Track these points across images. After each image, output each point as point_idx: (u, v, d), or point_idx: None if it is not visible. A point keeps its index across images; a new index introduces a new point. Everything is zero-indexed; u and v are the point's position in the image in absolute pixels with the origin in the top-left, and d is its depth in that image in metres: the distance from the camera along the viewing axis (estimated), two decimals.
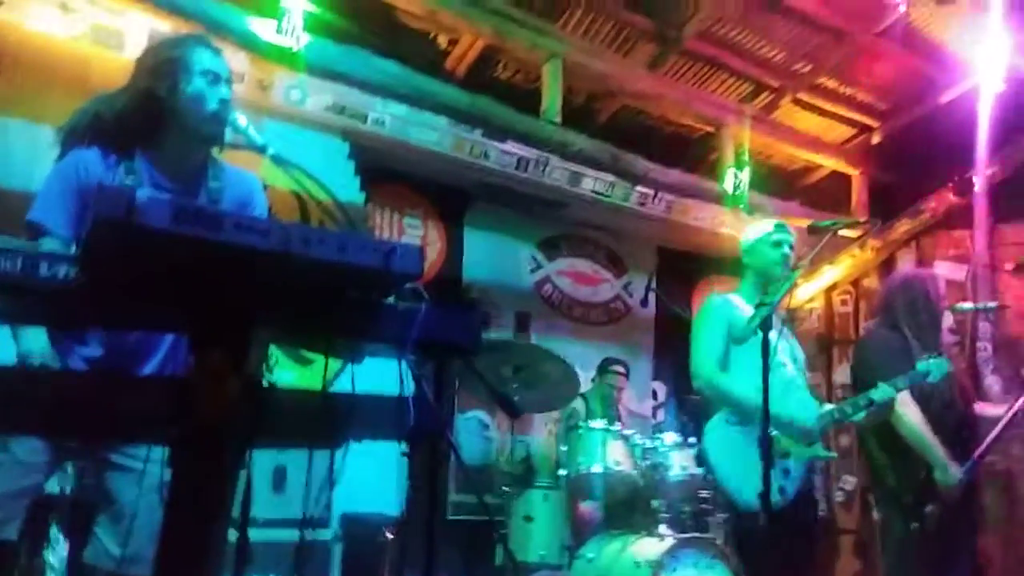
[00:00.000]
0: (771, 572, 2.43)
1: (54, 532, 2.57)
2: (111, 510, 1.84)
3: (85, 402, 1.23)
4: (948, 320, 3.25)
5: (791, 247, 2.95)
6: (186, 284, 1.19)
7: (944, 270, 5.15)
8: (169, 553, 1.24)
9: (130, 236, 1.11)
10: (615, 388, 4.83)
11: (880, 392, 2.75)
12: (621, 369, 4.93)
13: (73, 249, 1.63)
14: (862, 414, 2.83)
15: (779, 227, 3.02)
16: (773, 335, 2.40)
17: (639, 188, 5.04)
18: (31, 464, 1.74)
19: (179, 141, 1.90)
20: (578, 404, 4.70)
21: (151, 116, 1.87)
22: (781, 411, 2.53)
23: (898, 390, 2.80)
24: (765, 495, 2.20)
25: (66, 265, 1.16)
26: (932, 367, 2.88)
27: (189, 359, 1.21)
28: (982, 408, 3.23)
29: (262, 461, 1.27)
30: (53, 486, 2.19)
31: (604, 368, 4.91)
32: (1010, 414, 3.13)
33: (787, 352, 2.89)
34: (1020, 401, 3.14)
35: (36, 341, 1.69)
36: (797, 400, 2.76)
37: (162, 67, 1.87)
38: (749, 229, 3.13)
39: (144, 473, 1.69)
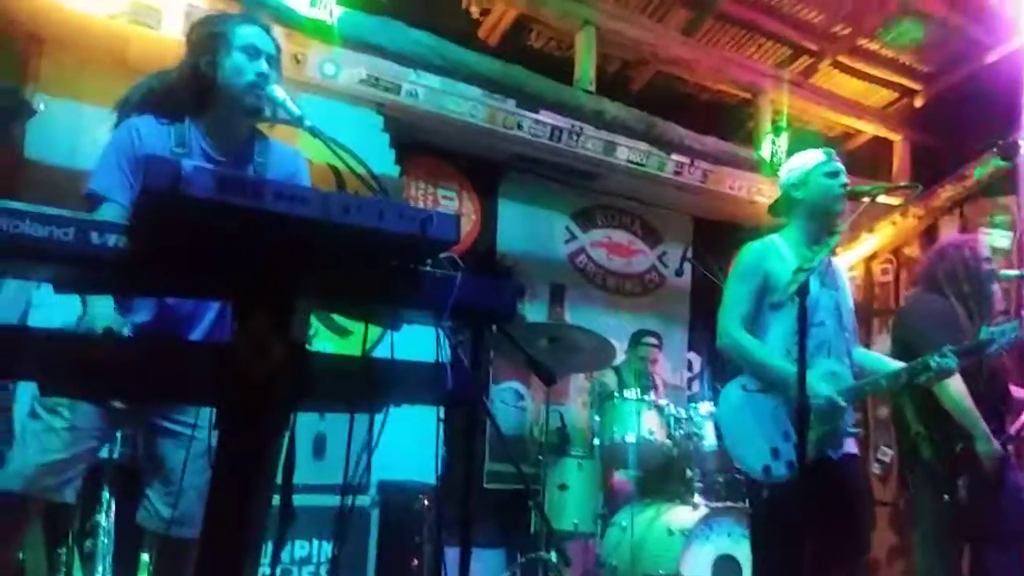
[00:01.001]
0: (775, 545, 2.32)
1: (105, 495, 2.67)
2: (161, 474, 1.91)
3: (136, 367, 1.27)
4: (996, 288, 3.16)
5: (846, 176, 2.61)
6: (231, 251, 1.22)
7: (989, 237, 5.03)
8: (216, 514, 1.28)
9: (177, 205, 1.14)
10: (648, 360, 4.82)
11: (937, 360, 2.50)
12: (654, 341, 4.91)
13: None
14: (922, 378, 2.55)
15: (830, 155, 2.66)
16: (815, 289, 2.23)
17: (674, 157, 4.99)
18: (86, 430, 1.81)
19: (223, 114, 1.96)
20: (609, 377, 4.72)
21: (197, 90, 1.93)
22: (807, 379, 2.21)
23: (956, 357, 2.54)
24: (800, 464, 2.15)
25: (116, 234, 1.20)
26: (996, 334, 2.65)
27: (234, 325, 1.25)
28: (1017, 391, 3.16)
29: (303, 428, 1.31)
30: (103, 451, 2.27)
31: (637, 340, 4.90)
32: None
33: (829, 307, 2.57)
34: None
35: (103, 307, 1.75)
36: (823, 371, 2.48)
37: (205, 42, 1.93)
38: (794, 159, 2.74)
39: (193, 438, 1.76)
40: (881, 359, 2.79)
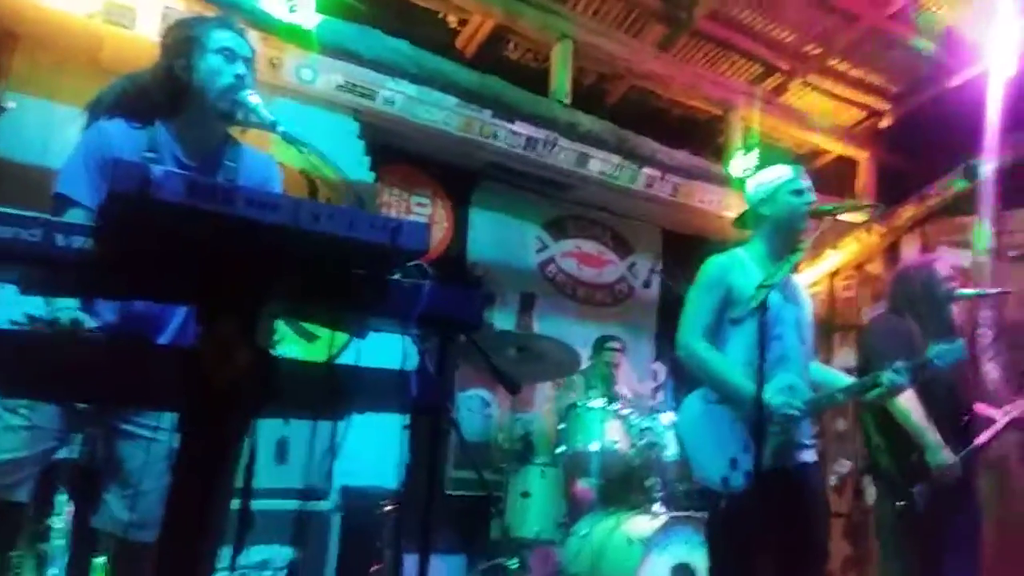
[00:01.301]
0: (736, 552, 2.33)
1: (61, 497, 2.63)
2: (120, 477, 1.90)
3: (100, 368, 1.28)
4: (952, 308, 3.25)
5: (813, 194, 2.66)
6: (198, 256, 1.23)
7: (948, 256, 5.15)
8: (175, 517, 1.28)
9: (145, 209, 1.15)
10: (612, 364, 4.85)
11: (889, 376, 2.56)
12: (617, 345, 4.92)
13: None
14: (873, 393, 2.61)
15: (799, 172, 2.69)
16: (776, 302, 2.27)
17: (646, 170, 5.06)
18: (46, 430, 1.79)
19: (196, 118, 1.95)
20: (577, 380, 4.76)
21: (171, 92, 1.92)
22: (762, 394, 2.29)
23: (908, 374, 2.60)
24: (756, 475, 2.19)
25: (82, 236, 1.20)
26: (942, 353, 2.71)
27: (199, 329, 1.26)
28: (983, 409, 3.25)
29: (265, 433, 1.31)
30: (60, 452, 2.24)
31: (601, 345, 4.93)
32: (1008, 417, 3.20)
33: (789, 321, 2.62)
34: (1021, 403, 3.22)
35: (66, 306, 1.73)
36: (781, 384, 2.50)
37: (181, 45, 1.93)
38: (762, 175, 2.77)
39: (153, 441, 1.75)
40: (835, 374, 2.87)
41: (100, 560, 2.29)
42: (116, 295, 1.71)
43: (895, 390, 2.62)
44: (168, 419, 1.46)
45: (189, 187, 1.17)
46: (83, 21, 3.41)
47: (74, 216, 1.80)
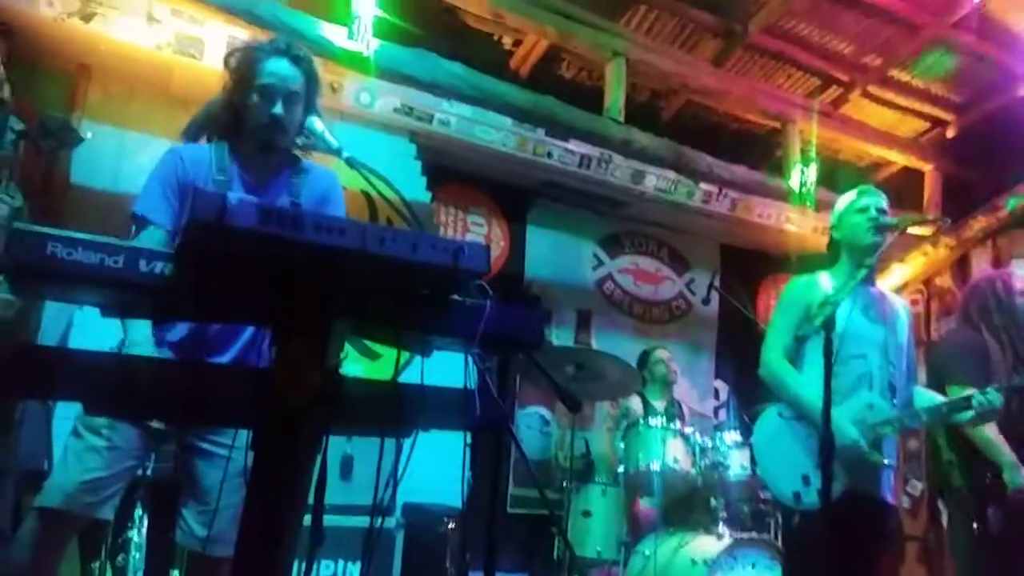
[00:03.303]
0: (811, 571, 2.31)
1: (137, 512, 2.73)
2: (196, 493, 1.96)
3: (178, 389, 1.33)
4: None
5: (881, 211, 2.65)
6: (271, 279, 1.27)
7: (1021, 269, 4.96)
8: (250, 533, 1.32)
9: (222, 235, 1.20)
10: (667, 374, 4.77)
11: (980, 398, 2.47)
12: (664, 354, 4.83)
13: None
14: (964, 417, 2.54)
15: (864, 192, 2.74)
16: (856, 321, 2.24)
17: (703, 185, 5.03)
18: (125, 450, 1.86)
19: (252, 143, 2.03)
20: (635, 402, 4.71)
21: (230, 120, 2.01)
22: (836, 415, 2.24)
23: (1003, 397, 2.49)
24: (825, 496, 2.14)
25: (163, 261, 1.26)
26: None
27: (273, 350, 1.30)
28: None
29: (331, 450, 1.35)
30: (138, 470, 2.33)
31: (645, 359, 4.86)
32: None
33: (875, 340, 2.60)
34: None
35: (141, 331, 1.82)
36: (861, 403, 2.50)
37: (234, 77, 2.01)
38: (837, 202, 2.83)
39: (229, 459, 1.81)
40: (934, 397, 2.76)
41: (176, 574, 2.37)
42: (194, 317, 1.78)
43: (987, 415, 2.53)
44: (243, 437, 1.51)
45: (261, 214, 1.22)
46: (153, 52, 3.57)
47: (152, 236, 1.89)
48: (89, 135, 3.54)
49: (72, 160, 3.71)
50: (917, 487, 5.42)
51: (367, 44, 3.85)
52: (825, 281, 2.71)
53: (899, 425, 2.55)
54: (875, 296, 2.70)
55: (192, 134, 2.06)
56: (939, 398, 2.71)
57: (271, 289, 1.29)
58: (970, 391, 2.53)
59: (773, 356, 2.64)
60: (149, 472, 2.65)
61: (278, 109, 1.97)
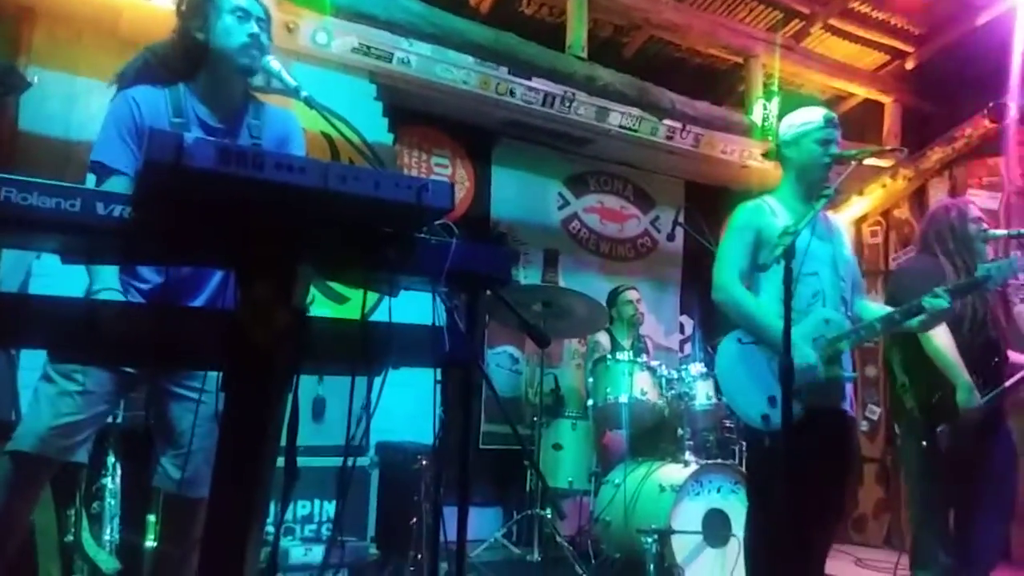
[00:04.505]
0: (775, 491, 2.26)
1: (111, 459, 2.74)
2: (170, 437, 1.98)
3: (146, 333, 1.33)
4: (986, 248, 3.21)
5: (838, 145, 2.63)
6: (233, 221, 1.27)
7: (978, 198, 5.08)
8: (224, 474, 1.34)
9: (179, 177, 1.19)
10: (633, 313, 4.86)
11: (930, 300, 2.55)
12: (633, 295, 4.93)
13: None
14: (915, 320, 2.60)
15: (828, 120, 2.64)
16: (806, 240, 2.26)
17: (666, 122, 5.02)
18: (98, 394, 1.87)
19: (217, 78, 1.99)
20: (602, 337, 4.79)
21: (189, 55, 1.98)
22: (794, 334, 2.25)
23: (948, 297, 2.58)
24: (786, 420, 2.21)
25: (121, 204, 1.24)
26: (992, 270, 2.69)
27: (238, 292, 1.30)
28: (1017, 358, 3.21)
29: (303, 392, 1.36)
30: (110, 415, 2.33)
31: (615, 297, 4.94)
32: None
33: (824, 257, 2.64)
34: None
35: (109, 280, 1.80)
36: (817, 318, 2.55)
37: (195, 8, 1.97)
38: (793, 115, 2.74)
39: (200, 402, 1.82)
40: (884, 309, 2.83)
41: (152, 518, 2.40)
42: (156, 261, 1.77)
43: (938, 315, 2.59)
44: (213, 380, 1.52)
45: (220, 153, 1.20)
46: None
47: (115, 182, 1.86)
48: (36, 80, 3.42)
49: (20, 106, 3.59)
50: (875, 412, 5.62)
51: None
52: (773, 204, 2.71)
53: (856, 338, 2.63)
54: (820, 214, 2.62)
55: (128, 81, 1.98)
56: (888, 309, 2.77)
57: (233, 230, 1.28)
58: (924, 299, 2.59)
59: (727, 279, 2.61)
60: (120, 419, 2.66)
61: (254, 27, 1.94)
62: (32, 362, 2.27)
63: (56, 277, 1.74)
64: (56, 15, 3.68)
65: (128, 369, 1.88)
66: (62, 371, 1.83)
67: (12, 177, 1.18)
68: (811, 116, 2.69)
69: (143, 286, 1.90)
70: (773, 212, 2.68)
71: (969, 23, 5.32)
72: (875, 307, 2.83)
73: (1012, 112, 4.94)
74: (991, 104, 5.02)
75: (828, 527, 2.67)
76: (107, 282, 1.80)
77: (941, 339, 2.95)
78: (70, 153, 3.60)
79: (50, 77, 3.64)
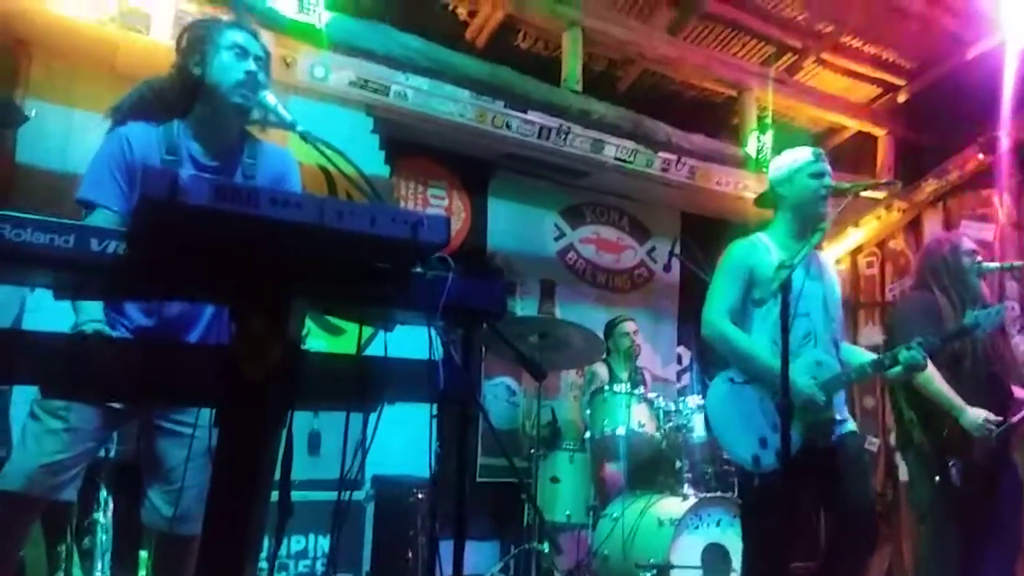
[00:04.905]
0: (772, 530, 2.31)
1: (102, 493, 2.71)
2: (161, 473, 1.95)
3: (139, 369, 1.32)
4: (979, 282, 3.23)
5: (831, 177, 2.66)
6: (228, 256, 1.26)
7: (971, 230, 5.11)
8: (217, 511, 1.32)
9: (174, 213, 1.19)
10: (631, 345, 4.84)
11: (905, 354, 2.59)
12: (630, 327, 4.91)
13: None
14: (893, 371, 2.66)
15: (818, 155, 2.70)
16: (800, 280, 2.29)
17: (661, 154, 5.05)
18: (85, 431, 1.85)
19: (212, 115, 1.99)
20: (599, 368, 4.77)
21: (186, 91, 1.98)
22: (790, 371, 2.28)
23: (926, 347, 2.62)
24: (785, 457, 2.19)
25: (116, 240, 1.24)
26: (980, 317, 2.74)
27: (232, 327, 1.29)
28: (1020, 393, 3.20)
29: (298, 426, 1.34)
30: (100, 451, 2.31)
31: (612, 328, 4.93)
32: None
33: (816, 297, 2.64)
34: None
35: (94, 313, 1.80)
36: (809, 360, 2.56)
37: (194, 44, 1.98)
38: (782, 157, 2.78)
39: (193, 437, 1.80)
40: (863, 353, 2.87)
41: (144, 554, 2.36)
42: (149, 297, 1.76)
43: (913, 367, 2.63)
44: (206, 416, 1.50)
45: (215, 190, 1.20)
46: (96, 27, 3.45)
47: (100, 218, 1.85)
48: (34, 113, 3.44)
49: (17, 140, 3.60)
50: (874, 443, 5.58)
51: (319, 16, 3.78)
52: (766, 241, 2.72)
53: (846, 380, 2.64)
54: (812, 253, 2.68)
55: (122, 115, 1.98)
56: (868, 355, 2.80)
57: (228, 266, 1.28)
58: (899, 350, 2.63)
59: (717, 316, 2.61)
60: (112, 454, 2.63)
61: (252, 66, 1.95)
62: (25, 396, 2.25)
63: (50, 312, 1.73)
64: (53, 49, 3.70)
65: (115, 404, 1.87)
66: (48, 408, 1.82)
67: (6, 213, 1.18)
68: (800, 154, 2.74)
69: (140, 324, 1.89)
70: (767, 249, 2.69)
71: (960, 57, 5.39)
72: (857, 351, 2.86)
73: (1003, 145, 4.99)
74: (981, 138, 5.07)
75: (863, 556, 2.60)
76: (92, 314, 1.79)
77: (939, 382, 2.96)
78: (67, 186, 3.59)
79: (47, 110, 3.66)
